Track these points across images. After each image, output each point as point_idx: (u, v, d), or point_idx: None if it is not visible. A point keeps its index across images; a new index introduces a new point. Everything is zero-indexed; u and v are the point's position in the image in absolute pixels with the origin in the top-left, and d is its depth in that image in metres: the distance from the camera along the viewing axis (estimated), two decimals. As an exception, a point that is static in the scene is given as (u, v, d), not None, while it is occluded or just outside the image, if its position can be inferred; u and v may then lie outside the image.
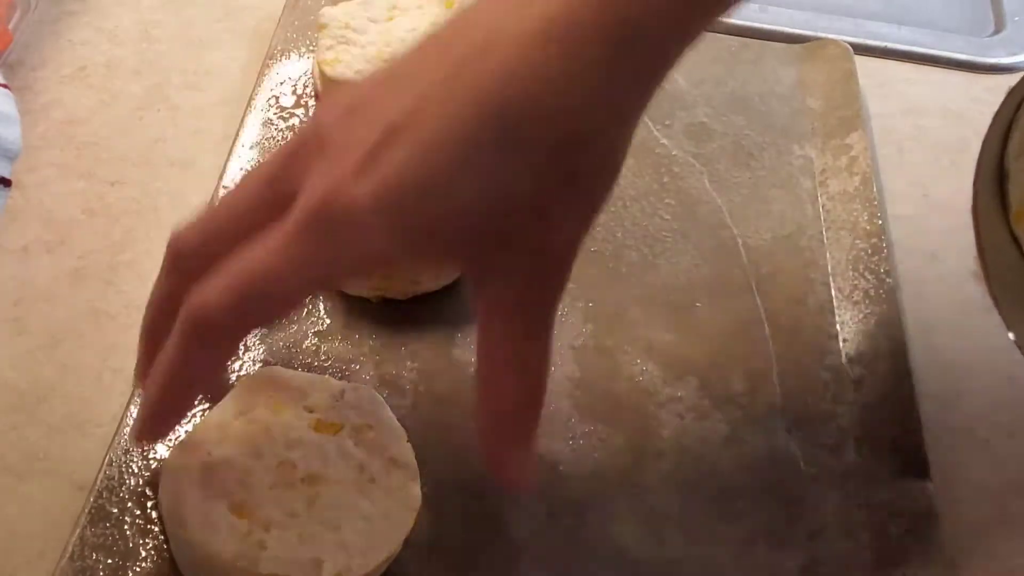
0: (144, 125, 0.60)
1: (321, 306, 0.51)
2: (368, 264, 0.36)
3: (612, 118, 0.34)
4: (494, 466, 0.37)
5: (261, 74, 0.61)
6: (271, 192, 0.35)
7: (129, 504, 0.43)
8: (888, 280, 0.55)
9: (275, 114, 0.59)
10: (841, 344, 0.54)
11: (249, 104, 0.59)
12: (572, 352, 0.52)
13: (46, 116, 0.59)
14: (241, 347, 0.48)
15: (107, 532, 0.42)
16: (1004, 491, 0.50)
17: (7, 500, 0.44)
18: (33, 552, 0.43)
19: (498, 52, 0.32)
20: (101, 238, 0.54)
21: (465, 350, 0.51)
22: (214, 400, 0.43)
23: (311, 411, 0.43)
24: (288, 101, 0.60)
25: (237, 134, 0.58)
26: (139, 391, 0.40)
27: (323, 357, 0.50)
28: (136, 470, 0.44)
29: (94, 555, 0.41)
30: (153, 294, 0.39)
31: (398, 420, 0.44)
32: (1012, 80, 0.70)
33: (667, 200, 0.59)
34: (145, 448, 0.45)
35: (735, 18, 0.71)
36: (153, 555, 0.42)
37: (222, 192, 0.55)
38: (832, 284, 0.56)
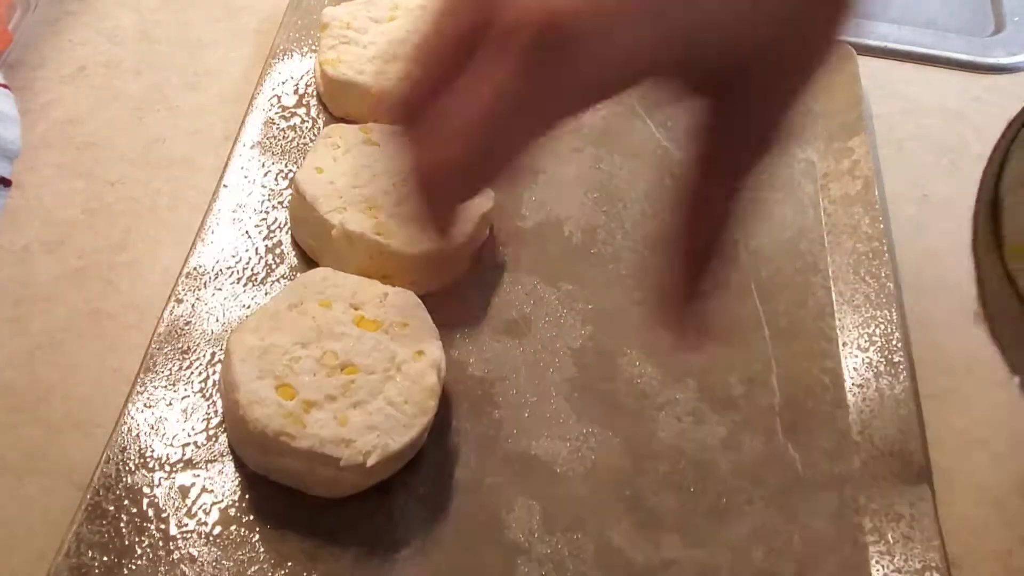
0: (144, 125, 0.60)
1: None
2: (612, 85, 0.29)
3: None
4: (674, 323, 0.34)
5: (263, 74, 0.61)
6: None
7: (125, 502, 0.43)
8: (888, 284, 0.55)
9: (276, 113, 0.59)
10: (841, 347, 0.53)
11: (250, 104, 0.59)
12: (571, 354, 0.52)
13: (46, 116, 0.59)
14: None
15: (103, 529, 0.42)
16: (1004, 491, 0.50)
17: (7, 500, 0.44)
18: (33, 552, 0.43)
19: None
20: (101, 238, 0.54)
21: (464, 350, 0.51)
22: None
23: (357, 308, 0.48)
24: (290, 101, 0.60)
25: (238, 134, 0.58)
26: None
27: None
28: (133, 468, 0.44)
29: (90, 552, 0.42)
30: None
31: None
32: (1012, 80, 0.71)
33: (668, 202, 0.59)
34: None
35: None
36: (149, 552, 0.42)
37: (223, 191, 0.55)
38: (832, 288, 0.56)
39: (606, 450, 0.48)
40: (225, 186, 0.55)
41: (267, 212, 0.55)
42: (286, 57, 0.62)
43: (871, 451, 0.49)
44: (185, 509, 0.44)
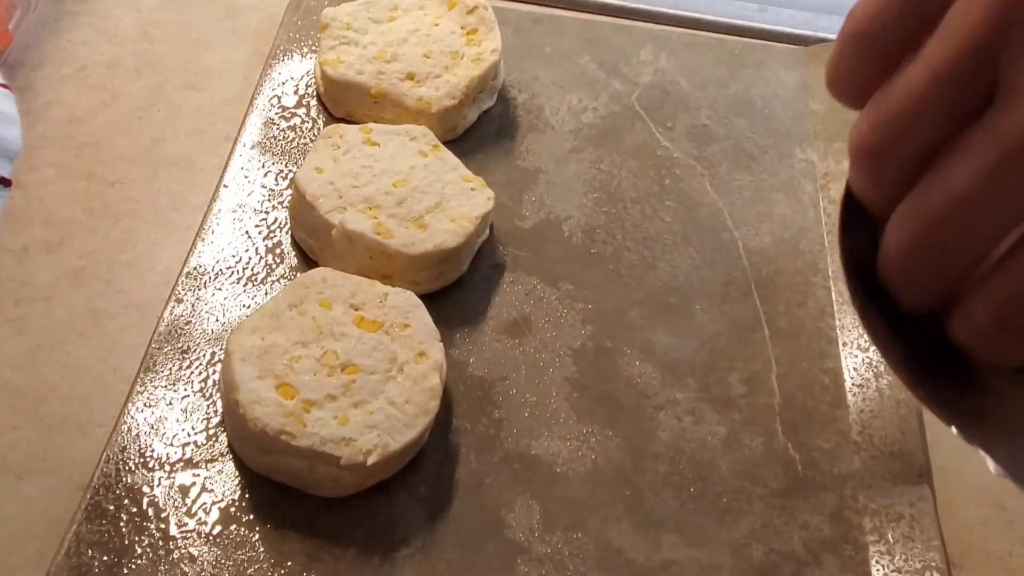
0: (144, 125, 0.60)
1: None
2: None
3: None
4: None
5: (263, 74, 0.61)
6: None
7: (125, 501, 0.43)
8: (888, 282, 0.55)
9: (277, 114, 0.59)
10: (841, 347, 0.53)
11: (250, 104, 0.59)
12: (571, 353, 0.52)
13: (46, 116, 0.59)
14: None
15: (103, 529, 0.42)
16: (1004, 491, 0.50)
17: (7, 500, 0.44)
18: (33, 552, 0.43)
19: None
20: (101, 238, 0.54)
21: (463, 350, 0.51)
22: None
23: (357, 309, 0.48)
24: (290, 101, 0.60)
25: (238, 134, 0.58)
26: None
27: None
28: (133, 467, 0.44)
29: (90, 551, 0.42)
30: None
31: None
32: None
33: (668, 202, 0.59)
34: (144, 452, 0.45)
35: (734, 18, 0.71)
36: (148, 552, 0.42)
37: (223, 191, 0.55)
38: (832, 288, 0.56)
39: (606, 450, 0.48)
40: (225, 186, 0.55)
41: (267, 212, 0.55)
42: (286, 57, 0.62)
43: (871, 451, 0.49)
44: (185, 509, 0.44)
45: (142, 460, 0.45)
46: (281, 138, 0.58)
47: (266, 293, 0.52)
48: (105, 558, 0.42)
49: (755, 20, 0.71)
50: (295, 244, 0.54)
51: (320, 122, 0.60)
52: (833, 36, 0.69)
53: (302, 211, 0.52)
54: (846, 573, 0.45)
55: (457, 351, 0.51)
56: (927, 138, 0.26)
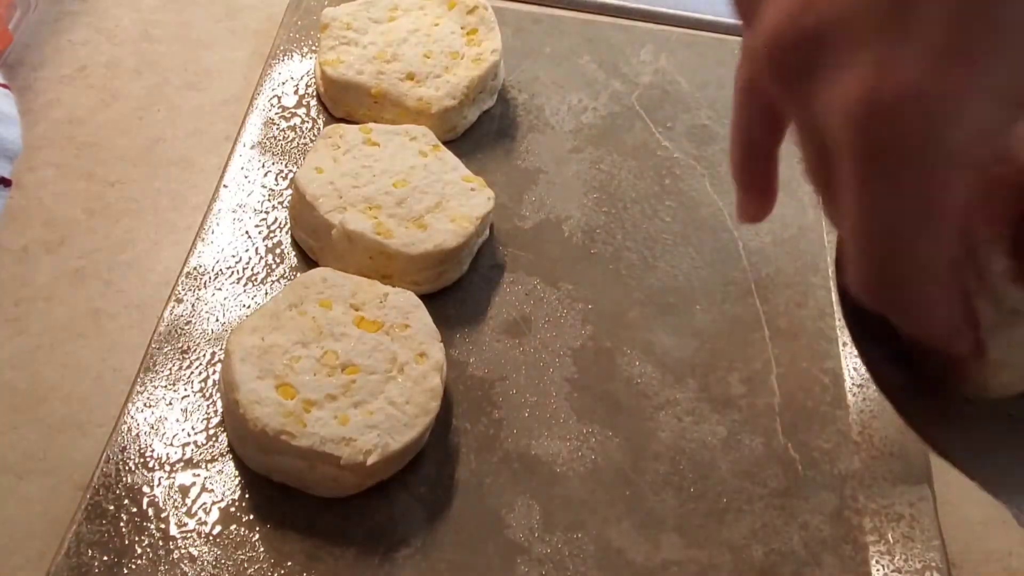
0: (144, 125, 0.60)
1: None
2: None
3: None
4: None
5: (263, 74, 0.61)
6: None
7: (125, 501, 0.43)
8: (888, 282, 0.55)
9: (277, 114, 0.59)
10: (841, 347, 0.53)
11: (251, 104, 0.59)
12: (571, 353, 0.52)
13: (46, 116, 0.59)
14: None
15: (103, 529, 0.42)
16: (1004, 493, 0.50)
17: (7, 500, 0.44)
18: (33, 552, 0.43)
19: None
20: (101, 238, 0.54)
21: (463, 350, 0.51)
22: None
23: (357, 309, 0.48)
24: (290, 101, 0.60)
25: (238, 134, 0.58)
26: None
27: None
28: (133, 468, 0.44)
29: (90, 551, 0.42)
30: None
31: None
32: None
33: (668, 202, 0.59)
34: (142, 450, 0.45)
35: (734, 18, 0.71)
36: (148, 552, 0.42)
37: (223, 191, 0.55)
38: (832, 288, 0.56)
39: (606, 450, 0.48)
40: (225, 186, 0.55)
41: (267, 212, 0.55)
42: (286, 57, 0.62)
43: (871, 451, 0.49)
44: (185, 509, 0.44)
45: (142, 460, 0.45)
46: (281, 138, 0.58)
47: (266, 293, 0.52)
48: (105, 558, 0.42)
49: (755, 20, 0.71)
50: (295, 244, 0.54)
51: (320, 122, 0.60)
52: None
53: (302, 211, 0.52)
54: (846, 573, 0.45)
55: (457, 351, 0.51)
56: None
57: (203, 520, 0.43)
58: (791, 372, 0.52)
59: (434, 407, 0.45)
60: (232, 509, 0.44)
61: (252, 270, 0.52)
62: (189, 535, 0.43)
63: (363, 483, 0.45)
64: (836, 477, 0.48)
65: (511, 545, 0.45)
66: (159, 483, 0.44)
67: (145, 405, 0.46)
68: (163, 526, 0.43)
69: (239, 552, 0.43)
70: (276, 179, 0.56)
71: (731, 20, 0.71)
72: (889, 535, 0.47)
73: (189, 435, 0.46)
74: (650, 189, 0.60)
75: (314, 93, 0.61)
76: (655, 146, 0.62)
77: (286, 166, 0.57)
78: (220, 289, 0.51)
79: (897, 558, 0.46)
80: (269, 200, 0.55)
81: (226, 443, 0.46)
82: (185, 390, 0.47)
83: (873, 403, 0.51)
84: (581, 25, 0.68)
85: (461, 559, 0.44)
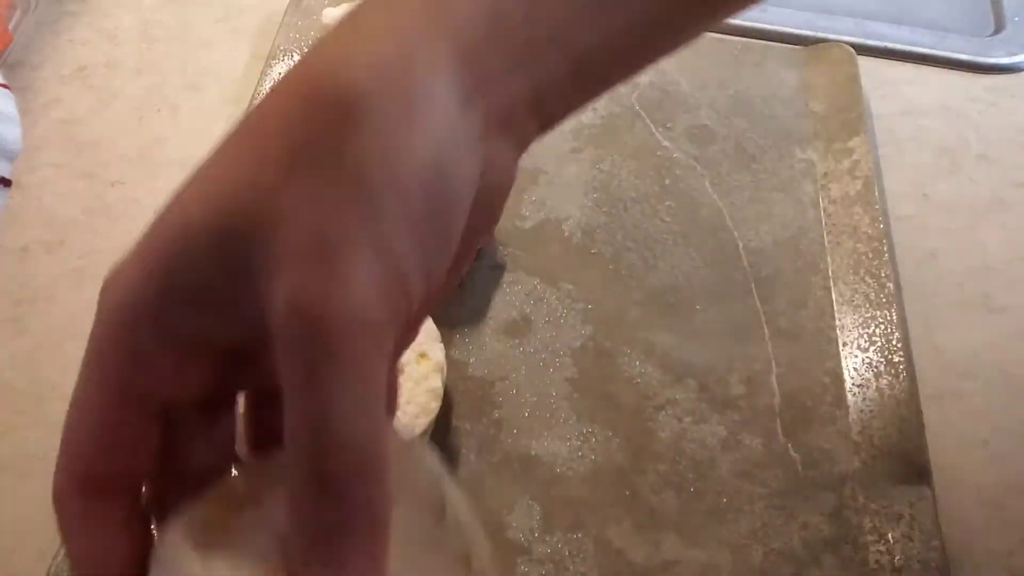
0: (144, 125, 0.60)
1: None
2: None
3: None
4: None
5: (263, 74, 0.61)
6: None
7: (128, 504, 0.43)
8: (888, 284, 0.55)
9: (275, 114, 0.59)
10: (841, 347, 0.53)
11: (250, 104, 0.59)
12: (571, 353, 0.52)
13: (46, 116, 0.59)
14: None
15: (106, 532, 0.42)
16: (1004, 491, 0.50)
17: (7, 500, 0.44)
18: (33, 552, 0.43)
19: None
20: (101, 238, 0.54)
21: (463, 350, 0.51)
22: None
23: None
24: (288, 101, 0.60)
25: (237, 134, 0.58)
26: None
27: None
28: (135, 470, 0.44)
29: (93, 555, 0.41)
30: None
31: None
32: (1012, 80, 0.71)
33: (668, 202, 0.59)
34: None
35: (735, 18, 0.71)
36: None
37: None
38: (832, 288, 0.56)
39: (606, 450, 0.48)
40: (225, 186, 0.55)
41: (267, 212, 0.55)
42: (286, 57, 0.62)
43: (871, 451, 0.49)
44: (185, 509, 0.44)
45: (142, 460, 0.45)
46: (281, 138, 0.58)
47: (266, 293, 0.51)
48: (105, 558, 0.41)
49: (755, 20, 0.71)
50: (295, 244, 0.54)
51: (320, 122, 0.60)
52: (833, 36, 0.70)
53: (302, 211, 0.52)
54: (846, 573, 0.45)
55: (457, 351, 0.51)
56: None
57: (203, 520, 0.43)
58: (791, 372, 0.52)
59: (434, 407, 0.45)
60: (232, 509, 0.44)
61: (252, 270, 0.52)
62: (189, 535, 0.43)
63: (363, 483, 0.45)
64: (836, 477, 0.48)
65: (511, 545, 0.45)
66: (159, 483, 0.44)
67: (145, 405, 0.46)
68: (163, 526, 0.43)
69: (239, 552, 0.43)
70: (276, 179, 0.56)
71: (731, 20, 0.71)
72: (889, 535, 0.46)
73: (189, 435, 0.46)
74: (650, 189, 0.60)
75: (314, 93, 0.61)
76: (655, 146, 0.62)
77: (286, 166, 0.57)
78: (220, 289, 0.51)
79: (897, 558, 0.46)
80: (269, 200, 0.55)
81: (226, 443, 0.46)
82: (185, 390, 0.47)
83: (873, 403, 0.51)
84: (581, 25, 0.68)
85: (461, 559, 0.44)
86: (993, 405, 0.53)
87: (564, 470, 0.47)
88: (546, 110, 0.26)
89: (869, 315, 0.54)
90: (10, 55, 0.61)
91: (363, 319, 0.21)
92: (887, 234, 0.58)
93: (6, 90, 0.55)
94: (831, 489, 0.48)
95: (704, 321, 0.54)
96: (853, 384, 0.52)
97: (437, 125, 0.23)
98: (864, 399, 0.51)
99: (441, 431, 0.47)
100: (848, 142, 0.62)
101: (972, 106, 0.68)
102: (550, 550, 0.45)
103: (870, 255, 0.56)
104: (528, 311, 0.53)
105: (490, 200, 0.26)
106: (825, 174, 0.61)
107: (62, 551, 0.41)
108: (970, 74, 0.71)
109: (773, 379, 0.52)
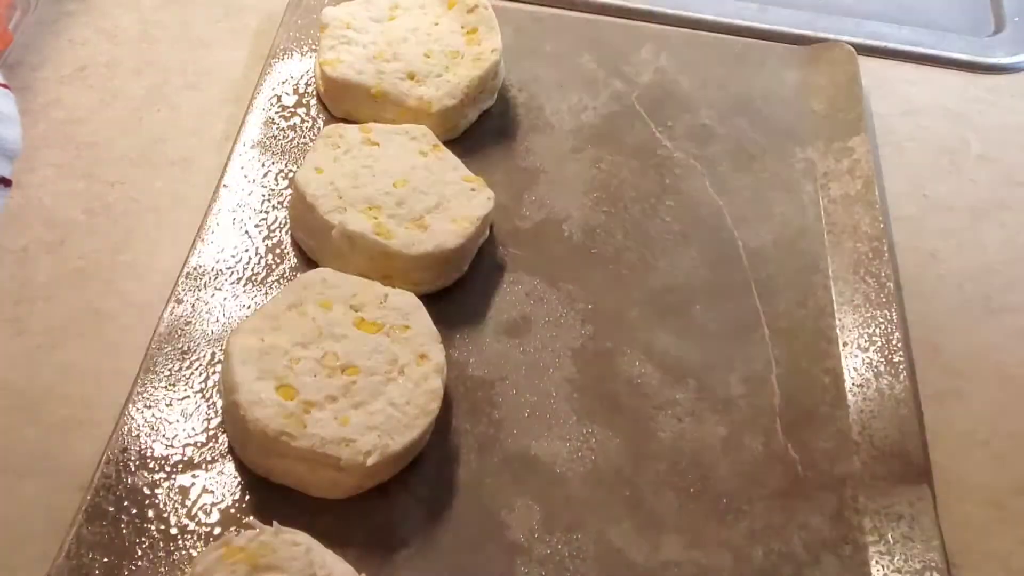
0: (144, 125, 0.60)
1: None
2: None
3: None
4: None
5: (263, 74, 0.61)
6: None
7: (126, 503, 0.43)
8: (888, 284, 0.55)
9: (277, 113, 0.59)
10: (841, 347, 0.53)
11: (250, 103, 0.59)
12: (571, 353, 0.52)
13: (46, 116, 0.59)
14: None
15: (103, 530, 0.42)
16: (1004, 491, 0.50)
17: (7, 500, 0.44)
18: (33, 552, 0.43)
19: None
20: (101, 238, 0.54)
21: (463, 350, 0.51)
22: None
23: (357, 310, 0.48)
24: (290, 101, 0.60)
25: (238, 134, 0.58)
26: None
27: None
28: (133, 469, 0.44)
29: (90, 553, 0.42)
30: None
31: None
32: (1012, 80, 0.71)
33: (668, 202, 0.59)
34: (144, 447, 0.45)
35: (734, 18, 0.71)
36: (149, 553, 0.42)
37: (223, 191, 0.55)
38: (833, 287, 0.56)
39: (606, 450, 0.48)
40: (225, 186, 0.55)
41: (267, 212, 0.55)
42: (286, 57, 0.62)
43: (871, 451, 0.49)
44: (185, 510, 0.44)
45: (142, 461, 0.45)
46: (281, 138, 0.58)
47: (266, 293, 0.52)
48: (106, 560, 0.42)
49: (755, 20, 0.71)
50: (295, 244, 0.54)
51: (320, 122, 0.60)
52: (833, 36, 0.70)
53: (302, 212, 0.52)
54: (846, 573, 0.45)
55: (457, 351, 0.51)
56: None
57: (203, 521, 0.43)
58: (791, 372, 0.52)
59: (434, 408, 0.45)
60: (232, 510, 0.44)
61: (252, 270, 0.52)
62: (189, 536, 0.43)
63: (363, 484, 0.45)
64: (836, 477, 0.48)
65: (511, 546, 0.45)
66: (159, 484, 0.44)
67: (145, 406, 0.46)
68: (163, 527, 0.43)
69: (239, 553, 0.43)
70: (276, 179, 0.56)
71: (731, 20, 0.71)
72: (889, 535, 0.47)
73: (189, 436, 0.46)
74: (650, 189, 0.60)
75: (314, 93, 0.61)
76: (655, 146, 0.62)
77: (286, 166, 0.57)
78: (220, 289, 0.51)
79: (897, 558, 0.46)
80: (269, 200, 0.55)
81: (226, 444, 0.46)
82: (185, 391, 0.47)
83: (873, 403, 0.51)
84: (581, 24, 0.68)
85: (461, 560, 0.44)
86: (993, 405, 0.53)
87: (564, 470, 0.47)
88: None
89: (869, 315, 0.54)
90: (10, 55, 0.61)
91: None
92: (887, 234, 0.58)
93: (6, 90, 0.55)
94: (831, 489, 0.48)
95: (704, 321, 0.54)
96: (853, 384, 0.52)
97: None
98: (864, 399, 0.51)
99: (441, 431, 0.47)
100: (848, 142, 0.62)
101: (972, 106, 0.68)
102: (550, 551, 0.45)
103: (870, 255, 0.56)
104: (528, 311, 0.53)
105: None
106: (825, 174, 0.61)
107: (63, 553, 0.41)
108: (970, 74, 0.71)
109: (773, 379, 0.52)
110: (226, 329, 0.50)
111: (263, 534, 0.40)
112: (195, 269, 0.52)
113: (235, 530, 0.41)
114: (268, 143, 0.58)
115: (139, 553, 0.42)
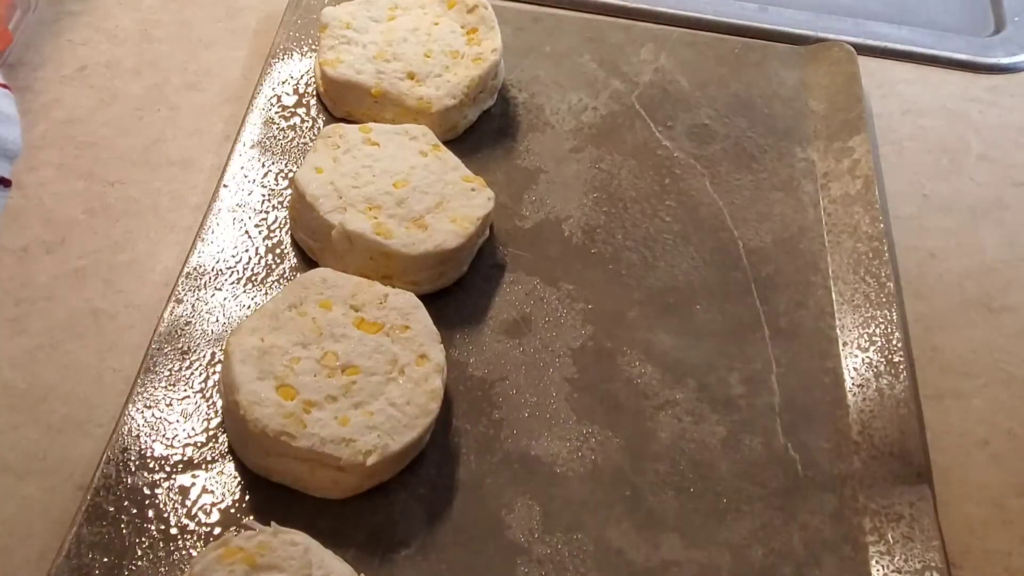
0: (144, 125, 0.60)
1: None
2: None
3: None
4: None
5: (263, 73, 0.61)
6: None
7: (126, 503, 0.43)
8: (888, 284, 0.55)
9: (276, 113, 0.59)
10: (841, 347, 0.53)
11: (250, 103, 0.59)
12: (571, 353, 0.52)
13: (46, 116, 0.59)
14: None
15: (103, 530, 0.42)
16: (1004, 491, 0.50)
17: (7, 500, 0.44)
18: (33, 552, 0.43)
19: None
20: (101, 238, 0.54)
21: (463, 350, 0.51)
22: None
23: (357, 310, 0.48)
24: (290, 101, 0.60)
25: (238, 134, 0.58)
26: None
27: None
28: (133, 469, 0.44)
29: (90, 553, 0.42)
30: None
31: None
32: (1012, 80, 0.71)
33: (668, 202, 0.59)
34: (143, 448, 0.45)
35: (734, 18, 0.71)
36: (149, 553, 0.42)
37: (223, 191, 0.55)
38: (833, 287, 0.56)
39: (606, 450, 0.48)
40: (225, 186, 0.55)
41: (267, 212, 0.55)
42: (286, 57, 0.62)
43: (871, 451, 0.49)
44: (185, 510, 0.44)
45: (142, 461, 0.45)
46: (281, 138, 0.58)
47: (266, 293, 0.52)
48: (105, 559, 0.42)
49: (755, 20, 0.71)
50: (295, 244, 0.54)
51: (320, 122, 0.60)
52: (833, 36, 0.70)
53: (302, 211, 0.52)
54: (846, 573, 0.45)
55: (457, 351, 0.51)
56: None
57: (203, 521, 0.43)
58: (791, 372, 0.52)
59: (434, 408, 0.45)
60: (232, 510, 0.44)
61: (252, 270, 0.52)
62: (189, 536, 0.43)
63: (363, 484, 0.45)
64: (836, 477, 0.48)
65: (511, 545, 0.45)
66: (159, 484, 0.44)
67: (145, 406, 0.46)
68: (163, 527, 0.43)
69: (239, 552, 0.43)
70: (276, 179, 0.56)
71: (731, 20, 0.71)
72: (889, 535, 0.47)
73: (189, 436, 0.46)
74: (650, 189, 0.60)
75: (314, 93, 0.61)
76: (655, 145, 0.62)
77: (286, 166, 0.57)
78: (220, 289, 0.51)
79: (897, 558, 0.46)
80: (269, 200, 0.55)
81: (226, 444, 0.46)
82: (185, 391, 0.47)
83: (873, 403, 0.51)
84: (581, 24, 0.68)
85: (461, 559, 0.44)
86: (993, 405, 0.53)
87: (564, 470, 0.47)
88: None
89: (869, 315, 0.54)
90: (10, 55, 0.61)
91: None
92: (887, 234, 0.58)
93: (6, 90, 0.54)
94: (831, 489, 0.48)
95: (704, 321, 0.54)
96: (853, 384, 0.52)
97: None
98: (864, 399, 0.51)
99: (441, 431, 0.47)
100: (848, 142, 0.62)
101: (972, 106, 0.68)
102: (550, 550, 0.45)
103: (870, 255, 0.56)
104: (528, 311, 0.53)
105: None
106: (825, 174, 0.61)
107: (63, 553, 0.41)
108: (970, 74, 0.71)
109: (773, 379, 0.52)
110: (226, 329, 0.50)
111: (262, 534, 0.40)
112: (195, 269, 0.52)
113: (234, 530, 0.41)
114: (268, 143, 0.58)
115: (139, 553, 0.42)
